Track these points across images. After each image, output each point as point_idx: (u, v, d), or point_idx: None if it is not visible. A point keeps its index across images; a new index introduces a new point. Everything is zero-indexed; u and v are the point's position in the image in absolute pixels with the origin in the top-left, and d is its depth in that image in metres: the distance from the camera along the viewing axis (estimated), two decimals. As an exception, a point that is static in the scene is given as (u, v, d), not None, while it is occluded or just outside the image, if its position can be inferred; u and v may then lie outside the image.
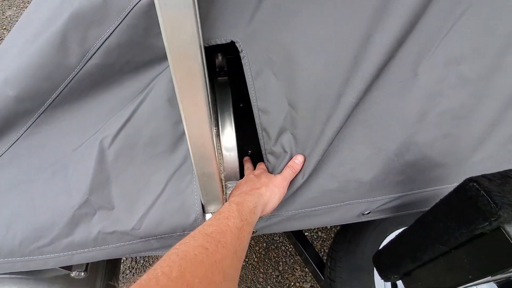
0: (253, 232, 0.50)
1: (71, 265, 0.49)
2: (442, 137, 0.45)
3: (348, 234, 0.75)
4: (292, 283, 1.24)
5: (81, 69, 0.40)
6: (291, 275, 1.26)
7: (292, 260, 1.30)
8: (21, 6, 2.74)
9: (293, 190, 0.45)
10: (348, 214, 0.48)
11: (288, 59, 0.42)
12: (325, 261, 0.82)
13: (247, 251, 1.27)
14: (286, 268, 1.28)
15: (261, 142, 0.47)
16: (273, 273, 1.26)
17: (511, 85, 0.44)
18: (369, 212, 0.48)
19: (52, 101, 0.41)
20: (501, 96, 0.44)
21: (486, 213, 0.33)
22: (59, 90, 0.40)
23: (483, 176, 0.35)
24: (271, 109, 0.44)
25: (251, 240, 1.35)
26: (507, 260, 0.33)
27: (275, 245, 1.35)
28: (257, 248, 1.34)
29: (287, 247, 1.34)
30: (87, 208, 0.42)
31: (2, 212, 0.41)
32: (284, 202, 0.46)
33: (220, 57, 0.63)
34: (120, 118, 0.44)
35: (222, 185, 0.49)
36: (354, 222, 0.50)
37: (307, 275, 1.26)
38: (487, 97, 0.44)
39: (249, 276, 1.25)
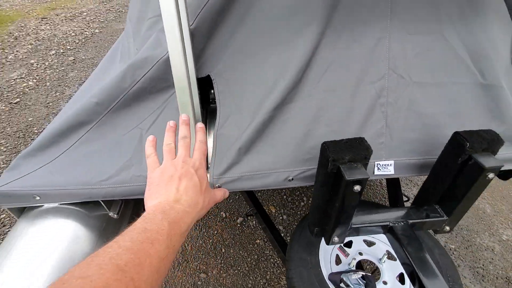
0: (214, 186, 0.76)
1: (110, 207, 0.78)
2: (329, 132, 0.73)
3: (305, 220, 0.97)
4: (277, 291, 1.39)
5: (129, 90, 0.75)
6: (277, 284, 1.41)
7: (279, 271, 1.46)
8: (81, 70, 3.49)
9: (238, 159, 0.73)
10: (278, 179, 0.74)
11: (239, 85, 0.76)
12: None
13: (240, 260, 1.48)
14: (273, 277, 1.44)
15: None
16: (260, 280, 1.42)
17: (369, 103, 0.73)
18: (292, 179, 0.74)
19: (113, 107, 0.76)
20: (362, 110, 0.74)
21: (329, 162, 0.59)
22: (117, 100, 0.75)
23: (333, 142, 0.62)
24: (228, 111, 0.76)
25: (243, 252, 1.54)
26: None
27: (265, 257, 1.53)
28: (249, 259, 1.52)
29: (275, 260, 1.51)
30: (129, 162, 0.73)
31: (89, 160, 0.73)
32: (236, 166, 0.74)
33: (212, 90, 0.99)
34: (149, 120, 0.77)
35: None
36: (283, 186, 0.76)
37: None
38: (352, 111, 0.73)
39: (239, 282, 1.42)
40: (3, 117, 2.76)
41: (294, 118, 0.74)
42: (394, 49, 0.74)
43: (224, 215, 1.75)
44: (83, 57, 4.10)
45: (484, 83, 0.75)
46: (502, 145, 0.63)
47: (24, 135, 2.51)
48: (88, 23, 5.64)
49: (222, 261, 1.50)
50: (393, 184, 1.28)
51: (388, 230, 0.72)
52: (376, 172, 0.75)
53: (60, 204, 0.73)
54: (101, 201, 0.74)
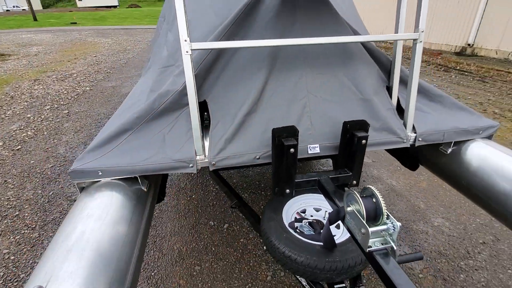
0: (213, 165, 1.19)
1: (141, 183, 1.17)
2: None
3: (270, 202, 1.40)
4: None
5: (157, 109, 1.22)
6: (258, 268, 1.74)
7: (260, 259, 1.80)
8: (76, 120, 3.90)
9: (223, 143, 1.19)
10: (250, 158, 1.20)
11: (223, 104, 1.27)
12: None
13: (227, 255, 1.83)
14: (255, 264, 1.78)
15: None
16: (245, 267, 1.75)
17: (299, 112, 1.26)
18: (258, 158, 1.20)
19: (147, 119, 1.21)
20: (296, 116, 1.26)
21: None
22: (149, 115, 1.21)
23: (277, 128, 1.11)
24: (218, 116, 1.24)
25: (230, 248, 1.88)
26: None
27: (248, 251, 1.87)
28: (235, 253, 1.85)
29: (256, 252, 1.85)
30: (156, 151, 1.14)
31: (132, 151, 1.15)
32: (223, 151, 1.19)
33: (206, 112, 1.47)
34: (168, 127, 1.24)
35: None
36: (252, 163, 1.21)
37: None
38: (290, 116, 1.26)
39: (228, 270, 1.74)
40: (8, 161, 3.04)
41: (257, 121, 1.24)
42: (309, 81, 1.30)
43: (212, 224, 2.10)
44: (77, 110, 4.54)
45: (363, 98, 1.31)
46: (368, 126, 1.16)
47: (28, 174, 2.79)
48: (79, 82, 6.22)
49: (213, 257, 1.82)
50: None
51: (318, 184, 1.19)
52: (309, 151, 1.24)
53: (112, 179, 1.13)
54: (138, 177, 1.15)
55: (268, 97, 1.27)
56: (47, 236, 2.04)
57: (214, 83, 1.30)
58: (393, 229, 0.78)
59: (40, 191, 2.52)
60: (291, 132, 1.09)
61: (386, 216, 0.80)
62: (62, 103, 4.90)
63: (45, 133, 3.73)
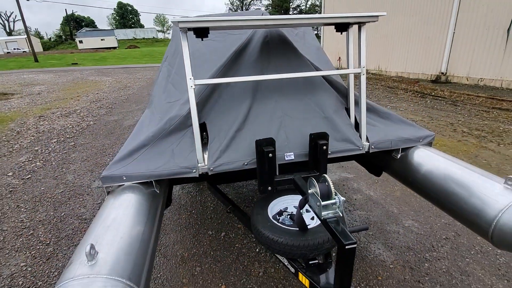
0: (211, 170, 1.52)
1: (155, 186, 1.48)
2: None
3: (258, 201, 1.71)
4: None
5: (168, 129, 1.57)
6: (251, 266, 1.99)
7: (253, 259, 2.05)
8: (82, 151, 4.22)
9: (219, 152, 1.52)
10: (239, 164, 1.52)
11: (218, 124, 1.63)
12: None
13: (224, 257, 2.11)
14: (249, 263, 2.02)
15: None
16: (240, 266, 2.00)
17: (277, 127, 1.63)
18: (246, 164, 1.53)
19: (159, 136, 1.55)
20: (274, 130, 1.63)
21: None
22: (162, 134, 1.56)
23: (259, 140, 1.47)
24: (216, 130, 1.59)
25: (227, 252, 2.14)
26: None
27: (243, 254, 2.12)
28: (231, 256, 2.11)
29: (250, 254, 2.11)
30: (167, 161, 1.48)
31: (149, 161, 1.47)
32: (219, 159, 1.52)
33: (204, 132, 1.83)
34: (176, 143, 1.58)
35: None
36: (242, 168, 1.54)
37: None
38: (271, 131, 1.63)
39: (225, 269, 1.98)
40: (19, 189, 3.31)
41: (244, 136, 1.59)
42: (283, 105, 1.69)
43: (211, 233, 2.36)
44: (82, 142, 4.88)
45: (325, 116, 1.69)
46: (328, 136, 1.52)
47: (39, 199, 3.05)
48: (83, 117, 6.63)
49: (212, 259, 2.06)
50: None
51: (293, 181, 1.52)
52: (286, 158, 1.59)
53: (133, 183, 1.44)
54: (153, 181, 1.47)
55: (253, 118, 1.64)
56: (61, 250, 2.27)
57: (211, 108, 1.68)
58: (339, 202, 1.11)
59: (52, 213, 2.77)
60: (270, 142, 1.45)
61: (334, 194, 1.13)
62: (68, 136, 5.25)
63: (53, 163, 4.03)
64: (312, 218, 1.63)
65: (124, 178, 1.42)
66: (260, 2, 69.71)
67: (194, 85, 1.44)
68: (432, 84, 9.27)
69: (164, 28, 79.24)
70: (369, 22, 1.56)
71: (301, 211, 1.59)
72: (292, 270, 1.46)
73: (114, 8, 77.76)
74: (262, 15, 2.11)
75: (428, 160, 1.64)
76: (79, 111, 7.32)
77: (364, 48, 1.64)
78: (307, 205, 1.30)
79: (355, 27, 1.67)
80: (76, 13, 69.94)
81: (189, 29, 1.39)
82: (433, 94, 7.71)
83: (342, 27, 1.66)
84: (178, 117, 1.61)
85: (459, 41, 8.94)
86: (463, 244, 2.12)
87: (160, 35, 77.78)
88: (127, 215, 1.23)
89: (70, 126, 5.88)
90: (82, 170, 3.76)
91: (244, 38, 1.81)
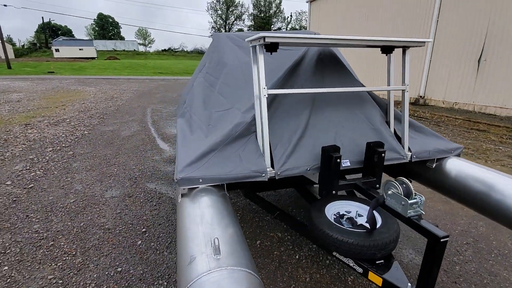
0: (278, 175, 1.58)
1: (226, 189, 1.51)
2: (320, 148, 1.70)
3: (312, 204, 1.79)
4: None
5: (235, 134, 1.63)
6: (296, 273, 2.03)
7: (295, 266, 2.09)
8: (83, 160, 4.05)
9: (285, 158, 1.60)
10: (303, 170, 1.60)
11: (281, 132, 1.72)
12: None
13: (266, 264, 2.13)
14: (293, 270, 2.06)
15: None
16: (285, 272, 2.03)
17: (334, 137, 1.75)
18: (309, 169, 1.62)
19: (227, 142, 1.60)
20: (331, 140, 1.75)
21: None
22: (229, 139, 1.62)
23: (326, 146, 1.57)
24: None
25: (267, 259, 2.15)
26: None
27: (284, 261, 2.15)
28: (273, 263, 2.13)
29: (291, 261, 2.14)
30: (236, 165, 1.52)
31: (219, 165, 1.51)
32: (285, 164, 1.59)
33: None
34: (242, 147, 1.64)
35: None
36: (305, 173, 1.62)
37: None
38: (327, 142, 1.74)
39: (271, 275, 2.00)
40: (23, 198, 3.11)
41: (306, 144, 1.69)
42: (338, 116, 1.82)
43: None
44: (81, 152, 4.69)
45: (373, 127, 1.84)
46: (384, 145, 1.66)
47: (51, 209, 2.88)
48: (75, 127, 6.38)
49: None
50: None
51: (355, 186, 1.62)
52: (343, 165, 1.70)
53: (207, 185, 1.46)
54: (224, 184, 1.50)
55: (312, 127, 1.75)
56: (92, 260, 2.16)
57: (271, 116, 1.77)
58: (421, 201, 1.22)
59: (69, 223, 2.63)
60: (336, 148, 1.55)
61: (414, 194, 1.24)
62: (63, 145, 5.02)
63: (55, 172, 3.83)
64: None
65: (201, 181, 1.45)
66: (243, 23, 71.97)
67: (268, 94, 1.53)
68: (412, 106, 9.99)
69: (146, 41, 78.76)
70: (414, 46, 1.77)
71: (352, 215, 1.68)
72: (360, 270, 1.53)
73: (94, 19, 76.45)
74: (314, 34, 2.27)
75: (466, 168, 1.82)
76: (68, 120, 7.03)
77: (408, 68, 1.83)
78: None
79: (399, 50, 1.86)
80: (53, 22, 67.75)
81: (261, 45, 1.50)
82: (416, 115, 8.32)
83: (388, 50, 1.84)
84: (243, 124, 1.68)
85: (435, 68, 9.82)
86: (483, 249, 2.31)
87: (142, 48, 77.16)
88: (217, 214, 1.26)
89: (63, 135, 5.63)
90: (90, 179, 3.61)
91: (298, 54, 1.95)
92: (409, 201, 1.19)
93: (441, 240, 1.09)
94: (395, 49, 1.87)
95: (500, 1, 7.82)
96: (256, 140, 1.67)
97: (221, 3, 68.30)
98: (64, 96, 11.05)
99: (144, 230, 2.52)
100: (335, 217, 1.73)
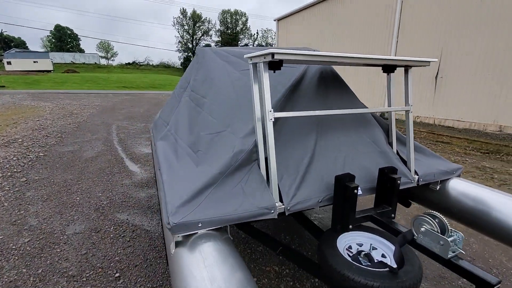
0: (288, 210, 1.37)
1: (229, 232, 1.26)
2: (331, 176, 1.54)
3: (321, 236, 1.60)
4: None
5: (235, 164, 1.41)
6: None
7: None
8: (39, 189, 3.54)
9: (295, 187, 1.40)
10: (314, 202, 1.43)
11: (287, 159, 1.53)
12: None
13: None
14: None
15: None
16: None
17: (342, 164, 1.61)
18: (320, 201, 1.44)
19: (226, 173, 1.37)
20: (340, 169, 1.60)
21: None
22: (228, 170, 1.38)
23: (339, 175, 1.41)
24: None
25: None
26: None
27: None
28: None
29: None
30: (240, 202, 1.29)
31: (219, 203, 1.27)
32: (294, 197, 1.39)
33: None
34: (244, 179, 1.42)
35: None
36: (317, 206, 1.44)
37: None
38: (337, 170, 1.59)
39: None
40: (-39, 241, 2.53)
41: (315, 172, 1.51)
42: (346, 139, 1.69)
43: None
44: (36, 178, 4.10)
45: (380, 150, 1.74)
46: (397, 171, 1.54)
47: (1, 252, 2.37)
48: (28, 148, 5.66)
49: None
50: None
51: (371, 218, 1.47)
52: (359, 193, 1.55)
53: (207, 230, 1.21)
54: (228, 226, 1.26)
55: (319, 153, 1.59)
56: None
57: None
58: (459, 239, 1.09)
59: (24, 270, 2.16)
60: (351, 177, 1.40)
61: (450, 231, 1.11)
62: (15, 170, 4.35)
63: (5, 204, 3.25)
64: (383, 255, 1.58)
65: (200, 225, 1.20)
66: (210, 38, 72.45)
67: (274, 117, 1.35)
68: (379, 120, 10.49)
69: (108, 54, 75.52)
70: (418, 66, 1.71)
71: (365, 250, 1.53)
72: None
73: (51, 31, 71.81)
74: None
75: (468, 189, 1.76)
76: (20, 140, 6.23)
77: (411, 88, 1.77)
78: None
79: (401, 69, 1.80)
80: (5, 33, 62.43)
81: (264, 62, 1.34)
82: (384, 128, 8.69)
83: (389, 69, 1.77)
84: (244, 152, 1.47)
85: (398, 84, 10.45)
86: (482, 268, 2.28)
87: (104, 61, 73.74)
88: (224, 266, 1.02)
89: (14, 158, 4.92)
90: (47, 212, 3.09)
91: (297, 73, 1.80)
92: (449, 239, 1.06)
93: (494, 287, 0.97)
94: (397, 69, 1.81)
95: (452, 25, 8.62)
96: (259, 170, 1.46)
97: (188, 18, 68.35)
98: (16, 112, 9.94)
99: (117, 275, 2.13)
100: (350, 253, 1.56)
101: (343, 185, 1.38)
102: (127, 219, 2.98)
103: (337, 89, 1.81)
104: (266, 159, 1.54)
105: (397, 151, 1.91)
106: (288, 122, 1.63)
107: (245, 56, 1.46)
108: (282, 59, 1.35)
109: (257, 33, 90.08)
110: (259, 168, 1.47)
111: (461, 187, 1.81)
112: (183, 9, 69.26)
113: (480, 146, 6.46)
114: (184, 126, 2.06)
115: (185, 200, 1.27)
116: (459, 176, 1.99)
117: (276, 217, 1.34)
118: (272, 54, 1.21)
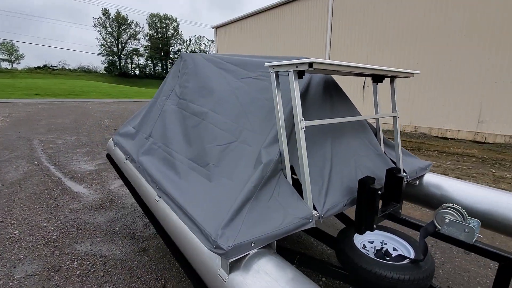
0: (321, 218, 1.37)
1: (274, 246, 1.18)
2: (353, 180, 1.62)
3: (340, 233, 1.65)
4: None
5: (265, 176, 1.34)
6: None
7: None
8: None
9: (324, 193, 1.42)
10: (340, 206, 1.48)
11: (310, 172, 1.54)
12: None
13: None
14: None
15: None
16: None
17: (355, 168, 1.70)
18: (345, 205, 1.50)
19: (260, 186, 1.30)
20: (354, 174, 1.70)
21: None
22: (261, 183, 1.31)
23: (363, 178, 1.49)
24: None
25: None
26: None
27: None
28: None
29: None
30: (282, 215, 1.24)
31: (262, 218, 1.17)
32: (325, 204, 1.41)
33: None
34: (276, 190, 1.36)
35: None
36: (344, 209, 1.49)
37: None
38: (354, 177, 1.68)
39: None
40: None
41: (336, 176, 1.55)
42: (352, 144, 1.78)
43: None
44: None
45: (378, 153, 1.90)
46: (401, 170, 1.71)
47: None
48: None
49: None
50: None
51: (388, 215, 1.58)
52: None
53: (258, 249, 1.11)
54: (274, 242, 1.18)
55: (336, 159, 1.65)
56: None
57: (293, 150, 1.57)
58: (477, 225, 1.27)
59: None
60: (372, 180, 1.49)
61: (468, 218, 1.28)
62: None
63: None
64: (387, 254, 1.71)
65: (253, 245, 1.12)
66: (139, 42, 68.10)
67: (305, 126, 1.35)
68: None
69: (12, 57, 63.56)
70: (403, 77, 1.93)
71: (377, 246, 1.64)
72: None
73: None
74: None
75: (442, 182, 2.05)
76: None
77: (396, 96, 1.99)
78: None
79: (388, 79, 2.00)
80: None
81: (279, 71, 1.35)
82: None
83: (378, 78, 1.96)
84: (272, 162, 1.43)
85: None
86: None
87: (5, 65, 61.77)
88: (301, 286, 0.97)
89: None
90: (-25, 255, 2.42)
91: (303, 82, 1.82)
92: (473, 226, 1.21)
93: (518, 260, 1.14)
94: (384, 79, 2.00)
95: (370, 44, 10.00)
96: (286, 180, 1.43)
97: (111, 20, 62.84)
98: None
99: (105, 318, 1.80)
100: (369, 252, 1.64)
101: (368, 188, 1.45)
102: (91, 250, 2.54)
103: (339, 97, 1.91)
104: (292, 167, 1.52)
105: (384, 152, 2.11)
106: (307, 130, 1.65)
107: (266, 64, 1.42)
108: (308, 69, 1.35)
109: (190, 39, 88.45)
110: (286, 177, 1.45)
111: (435, 180, 2.09)
112: (105, 9, 63.15)
113: (405, 144, 7.59)
114: (178, 137, 1.88)
115: (228, 220, 1.16)
116: (430, 171, 2.30)
117: (314, 225, 1.33)
118: (310, 64, 1.21)
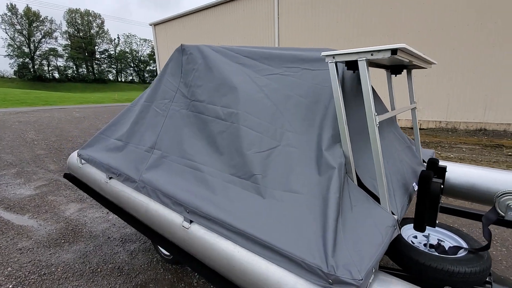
0: (398, 220, 1.24)
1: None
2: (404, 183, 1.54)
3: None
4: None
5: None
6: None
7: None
8: None
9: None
10: (405, 205, 1.38)
11: (368, 166, 1.39)
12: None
13: None
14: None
15: None
16: None
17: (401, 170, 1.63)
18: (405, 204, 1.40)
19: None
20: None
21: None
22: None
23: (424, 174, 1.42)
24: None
25: None
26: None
27: None
28: None
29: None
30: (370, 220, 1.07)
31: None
32: (395, 203, 1.29)
33: None
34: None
35: None
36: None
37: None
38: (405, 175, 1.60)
39: None
40: None
41: (392, 176, 1.45)
42: (392, 139, 1.71)
43: None
44: None
45: (407, 145, 1.88)
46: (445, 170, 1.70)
47: None
48: None
49: None
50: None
51: (445, 209, 1.54)
52: (415, 189, 1.58)
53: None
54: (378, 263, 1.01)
55: (386, 155, 1.54)
56: None
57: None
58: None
59: None
60: (432, 174, 1.42)
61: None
62: None
63: None
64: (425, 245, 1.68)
65: (374, 270, 0.93)
66: (56, 41, 59.94)
67: (378, 122, 1.20)
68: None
69: None
70: (422, 68, 1.93)
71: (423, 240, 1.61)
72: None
73: None
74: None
75: (454, 167, 2.14)
76: None
77: (413, 88, 1.99)
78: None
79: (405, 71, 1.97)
80: None
81: (339, 62, 1.20)
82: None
83: (397, 70, 1.91)
84: (342, 166, 1.25)
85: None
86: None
87: None
88: None
89: None
90: None
91: (322, 75, 1.64)
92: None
93: None
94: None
95: (315, 42, 10.50)
96: (354, 183, 1.27)
97: (20, 16, 53.65)
98: None
99: None
100: (426, 248, 1.58)
101: (431, 183, 1.38)
102: (70, 299, 1.99)
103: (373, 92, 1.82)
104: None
105: None
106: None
107: (323, 53, 1.23)
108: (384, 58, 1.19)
109: (119, 37, 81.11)
110: (352, 181, 1.28)
111: (459, 170, 2.11)
112: (11, 4, 53.34)
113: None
114: (201, 146, 1.54)
115: (332, 244, 0.94)
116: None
117: (399, 233, 1.20)
118: (394, 51, 1.06)
